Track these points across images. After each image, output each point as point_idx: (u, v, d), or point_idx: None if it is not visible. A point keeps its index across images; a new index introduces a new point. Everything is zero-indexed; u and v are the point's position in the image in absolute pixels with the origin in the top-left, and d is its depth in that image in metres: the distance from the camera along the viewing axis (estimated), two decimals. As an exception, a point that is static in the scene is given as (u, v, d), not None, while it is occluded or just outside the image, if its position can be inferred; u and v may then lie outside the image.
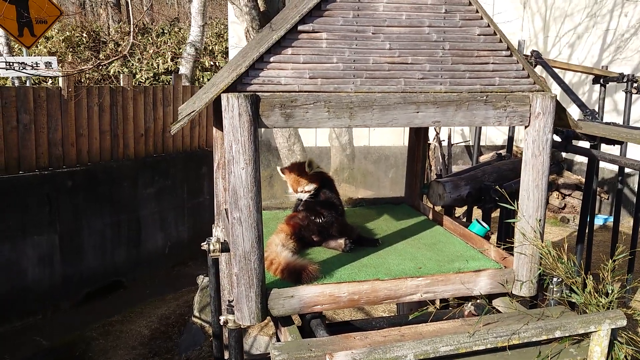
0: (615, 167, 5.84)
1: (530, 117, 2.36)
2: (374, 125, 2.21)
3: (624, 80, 5.45)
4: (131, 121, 8.12)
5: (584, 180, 4.80)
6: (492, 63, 2.33)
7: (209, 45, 14.11)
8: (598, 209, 9.05)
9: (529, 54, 5.36)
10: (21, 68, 7.07)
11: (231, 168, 2.07)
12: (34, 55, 8.89)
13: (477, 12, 2.27)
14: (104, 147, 7.82)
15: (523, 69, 2.38)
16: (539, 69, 5.52)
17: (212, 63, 13.36)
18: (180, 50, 13.62)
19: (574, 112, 6.91)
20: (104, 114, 7.74)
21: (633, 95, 5.56)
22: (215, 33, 15.28)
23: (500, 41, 2.32)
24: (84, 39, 13.41)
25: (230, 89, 2.07)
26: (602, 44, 9.37)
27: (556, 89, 7.00)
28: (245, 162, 2.06)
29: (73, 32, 13.51)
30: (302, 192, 2.84)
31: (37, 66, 7.17)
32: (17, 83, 7.84)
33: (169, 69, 12.80)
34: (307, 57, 2.14)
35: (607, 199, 9.16)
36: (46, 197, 7.02)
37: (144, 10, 16.09)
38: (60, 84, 7.25)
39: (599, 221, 8.66)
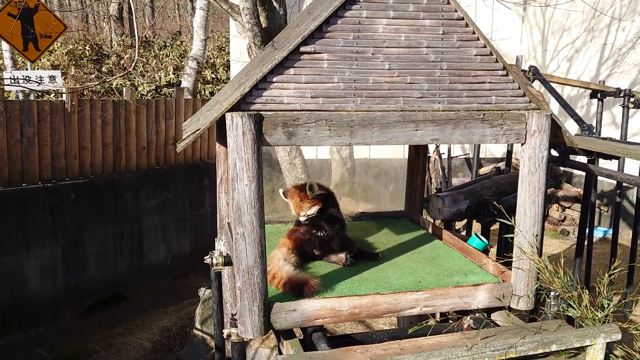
0: (614, 180, 5.89)
1: (526, 135, 2.42)
2: (374, 143, 2.27)
3: (621, 95, 5.52)
4: (134, 134, 8.19)
5: (582, 191, 4.86)
6: (489, 82, 2.39)
7: (210, 59, 14.24)
8: (598, 221, 9.09)
9: (527, 69, 5.43)
10: (26, 82, 7.15)
11: (235, 185, 2.13)
12: (38, 69, 8.99)
13: (473, 33, 2.33)
14: (106, 160, 7.89)
15: (519, 88, 2.44)
16: (537, 84, 5.60)
17: (213, 76, 13.48)
18: (182, 64, 13.76)
19: (571, 126, 7.00)
20: (107, 127, 7.82)
21: (630, 109, 5.62)
22: (216, 46, 15.43)
23: (497, 61, 2.39)
24: (86, 52, 13.55)
25: (234, 108, 2.13)
26: (599, 58, 9.47)
27: (554, 104, 7.08)
28: (248, 179, 2.12)
29: (76, 45, 13.65)
30: (304, 215, 2.90)
31: (41, 80, 7.26)
32: (21, 96, 7.93)
33: (171, 81, 12.92)
34: (308, 77, 2.21)
35: (607, 211, 9.21)
36: (49, 209, 7.07)
37: (146, 23, 16.25)
38: (64, 98, 7.33)
39: (598, 234, 8.69)
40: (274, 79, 2.17)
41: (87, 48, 13.50)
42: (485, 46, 2.35)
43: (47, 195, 7.07)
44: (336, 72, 2.23)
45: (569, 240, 8.66)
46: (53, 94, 9.15)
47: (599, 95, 5.78)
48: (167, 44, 15.17)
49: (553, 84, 5.53)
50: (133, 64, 4.08)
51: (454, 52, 2.32)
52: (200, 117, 2.80)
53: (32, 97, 7.61)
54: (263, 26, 4.75)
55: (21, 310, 6.82)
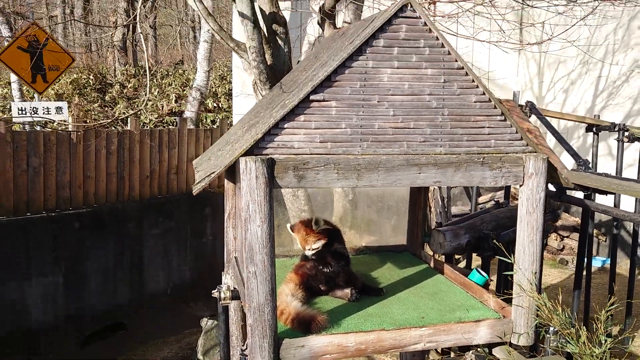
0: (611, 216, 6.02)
1: (524, 177, 2.53)
2: (379, 185, 2.38)
3: (616, 129, 5.67)
4: (137, 164, 8.32)
5: (579, 220, 4.95)
6: (488, 127, 2.52)
7: (212, 88, 14.47)
8: (596, 250, 9.17)
9: (524, 104, 5.58)
10: (33, 113, 7.30)
11: (248, 226, 2.23)
12: (44, 99, 9.15)
13: (473, 81, 2.47)
14: (110, 189, 7.99)
15: (516, 132, 2.57)
16: (533, 118, 5.74)
17: (215, 105, 13.69)
18: (184, 92, 13.98)
19: (567, 158, 7.13)
20: (111, 156, 7.95)
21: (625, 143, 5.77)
22: (218, 75, 15.68)
23: (495, 107, 2.52)
24: (90, 81, 13.77)
25: (248, 152, 2.25)
26: (595, 90, 9.68)
27: (551, 138, 7.21)
28: (260, 220, 2.22)
29: (80, 74, 13.89)
30: (309, 249, 2.99)
31: (48, 111, 7.41)
32: (27, 127, 8.08)
33: (173, 110, 13.12)
34: (318, 123, 2.33)
35: (605, 240, 9.29)
36: (52, 238, 7.15)
37: (150, 52, 16.54)
38: (70, 128, 7.48)
39: (597, 263, 8.76)
40: (285, 125, 2.30)
41: (91, 77, 13.72)
42: (484, 93, 2.49)
43: (51, 224, 7.15)
44: (344, 118, 2.35)
45: (567, 270, 8.73)
46: (57, 123, 9.30)
47: (594, 129, 5.94)
48: (170, 73, 15.42)
49: (550, 118, 5.68)
50: (144, 104, 4.20)
51: (454, 99, 2.46)
52: (212, 157, 2.92)
53: (38, 128, 7.75)
54: (268, 63, 4.91)
55: (23, 339, 6.83)
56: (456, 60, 2.43)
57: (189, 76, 15.23)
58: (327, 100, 2.33)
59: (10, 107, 11.87)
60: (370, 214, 9.70)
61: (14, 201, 6.91)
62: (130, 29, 15.59)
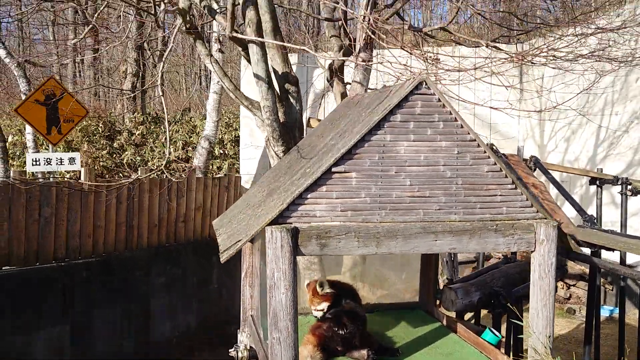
0: (617, 258, 6.10)
1: (535, 243, 2.64)
2: (397, 252, 2.49)
3: (619, 182, 5.80)
4: (146, 212, 8.42)
5: (587, 270, 5.01)
6: (500, 195, 2.64)
7: (218, 134, 14.72)
8: (603, 300, 9.15)
9: (528, 158, 5.73)
10: (46, 164, 7.47)
11: (273, 292, 2.32)
12: (57, 149, 9.34)
13: (484, 152, 2.61)
14: (119, 238, 8.07)
15: (527, 200, 2.69)
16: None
17: (221, 151, 13.91)
18: (191, 139, 14.22)
19: (570, 210, 7.21)
20: (121, 205, 8.06)
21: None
22: (225, 122, 15.97)
23: (506, 176, 2.64)
24: (99, 129, 14.03)
25: (273, 222, 2.36)
26: (596, 140, 9.87)
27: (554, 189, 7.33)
28: (285, 287, 2.32)
29: (89, 122, 14.16)
30: (315, 310, 3.07)
31: (61, 162, 7.57)
32: (40, 176, 8.23)
33: (180, 157, 13.32)
34: (339, 193, 2.46)
35: (612, 289, 9.29)
36: (61, 288, 7.18)
37: (158, 98, 16.90)
38: (82, 178, 7.62)
39: (605, 313, 8.74)
40: (309, 196, 2.42)
41: (100, 125, 13.99)
42: (495, 163, 2.62)
43: (60, 274, 7.20)
44: (363, 188, 2.48)
45: (575, 320, 8.69)
46: (70, 174, 9.48)
47: (597, 182, 6.06)
48: (177, 120, 15.72)
49: (554, 171, 5.82)
50: (164, 162, 4.35)
51: (467, 169, 2.59)
52: (233, 220, 3.03)
53: (51, 179, 7.91)
54: (281, 121, 5.09)
55: (28, 392, 6.78)
56: (468, 133, 2.58)
57: (195, 123, 15.52)
58: (347, 172, 2.46)
59: (21, 153, 12.10)
60: (380, 268, 9.73)
61: (24, 251, 6.99)
62: (140, 77, 15.98)
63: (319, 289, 3.10)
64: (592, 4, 9.99)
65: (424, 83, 2.49)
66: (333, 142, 2.69)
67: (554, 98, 7.78)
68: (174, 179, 7.48)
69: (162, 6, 4.28)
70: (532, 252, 2.67)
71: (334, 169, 2.44)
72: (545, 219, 2.69)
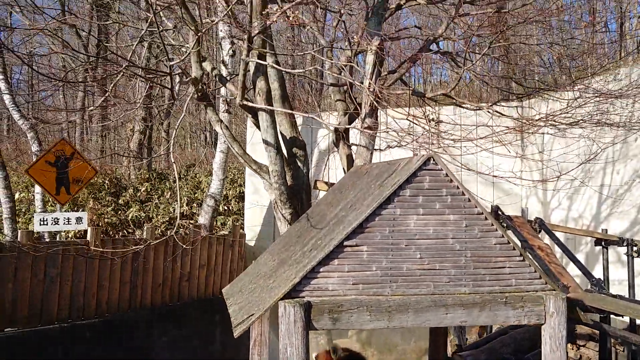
0: (627, 318, 6.01)
1: (545, 316, 2.65)
2: (409, 326, 2.51)
3: (624, 244, 5.82)
4: (150, 272, 8.41)
5: (597, 331, 4.95)
6: (508, 267, 2.68)
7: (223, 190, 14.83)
8: (614, 361, 8.95)
9: (533, 220, 5.78)
10: (54, 223, 7.53)
11: (285, 368, 2.33)
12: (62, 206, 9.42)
13: (492, 225, 2.67)
14: (122, 298, 8.02)
15: (535, 271, 2.72)
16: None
17: (225, 208, 13.98)
18: (196, 195, 14.32)
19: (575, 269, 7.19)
20: (126, 265, 8.06)
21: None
22: (230, 178, 16.13)
23: (514, 248, 2.69)
24: (105, 185, 14.17)
25: (286, 296, 2.40)
26: (599, 197, 9.92)
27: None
28: (297, 362, 2.33)
29: (96, 178, 14.32)
30: None
31: (68, 222, 7.64)
32: (46, 236, 8.28)
33: (185, 213, 13.38)
34: (350, 266, 2.50)
35: (622, 350, 9.10)
36: (63, 350, 7.08)
37: (164, 156, 17.14)
38: (89, 238, 7.66)
39: (616, 375, 8.53)
40: (321, 270, 2.47)
41: (106, 181, 14.14)
42: (502, 236, 2.67)
43: (63, 335, 7.12)
44: (374, 261, 2.53)
45: (586, 382, 8.47)
46: (76, 232, 9.51)
47: (603, 243, 6.08)
48: (182, 176, 15.88)
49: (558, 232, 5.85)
50: (177, 222, 4.41)
51: (476, 241, 2.64)
52: (244, 289, 3.06)
53: (58, 238, 7.95)
54: (289, 184, 5.18)
55: None
56: (476, 207, 2.65)
57: (200, 179, 15.67)
58: (359, 246, 2.52)
59: (27, 210, 12.17)
60: (389, 333, 9.61)
61: (27, 311, 6.94)
62: (147, 134, 16.27)
63: (333, 356, 3.09)
64: (589, 69, 10.30)
65: (432, 159, 2.59)
66: (343, 214, 2.76)
67: (556, 162, 7.91)
68: (183, 244, 7.50)
69: (178, 78, 4.46)
70: (542, 325, 2.68)
71: (345, 243, 2.50)
72: (554, 290, 2.71)
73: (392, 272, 2.52)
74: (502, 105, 8.34)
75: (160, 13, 5.34)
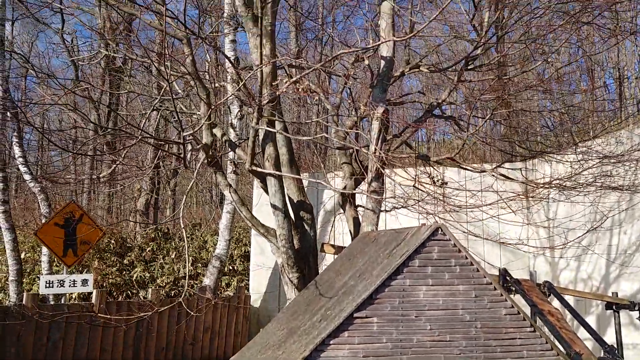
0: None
1: (560, 390, 2.61)
2: (420, 400, 2.46)
3: (636, 308, 5.73)
4: (154, 336, 8.28)
5: None
6: (519, 338, 2.66)
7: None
8: None
9: (542, 284, 5.72)
10: (59, 286, 7.50)
11: None
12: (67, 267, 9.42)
13: (501, 295, 2.67)
14: (126, 362, 7.87)
15: (546, 342, 2.70)
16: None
17: (230, 267, 13.88)
18: (201, 255, 14.26)
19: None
20: (130, 329, 7.95)
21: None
22: (235, 238, 16.10)
23: (524, 319, 2.68)
24: (111, 246, 14.16)
25: (296, 370, 2.38)
26: (607, 258, 9.83)
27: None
28: None
29: (101, 239, 14.32)
30: None
31: (74, 284, 7.61)
32: (51, 298, 8.23)
33: (190, 272, 13.28)
34: (360, 338, 2.49)
35: (640, 419, 8.75)
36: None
37: (170, 215, 17.22)
38: (93, 301, 7.60)
39: None
40: (331, 342, 2.46)
41: (112, 241, 14.14)
42: (512, 306, 2.67)
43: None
44: (384, 333, 2.52)
45: None
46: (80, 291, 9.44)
47: (614, 307, 5.99)
48: (187, 236, 15.86)
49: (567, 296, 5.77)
50: (186, 288, 4.41)
51: (485, 312, 2.64)
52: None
53: (63, 300, 7.90)
54: (296, 247, 5.20)
55: None
56: (485, 277, 2.66)
57: (206, 238, 15.65)
58: (369, 317, 2.52)
59: (31, 270, 12.13)
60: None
61: (28, 380, 6.81)
62: (154, 193, 16.42)
63: None
64: (591, 131, 10.48)
65: (440, 229, 2.63)
66: (352, 283, 2.77)
67: (562, 229, 7.91)
68: (190, 311, 7.44)
69: (190, 146, 4.59)
70: (556, 398, 2.64)
71: (355, 314, 2.50)
72: (567, 362, 2.68)
73: (402, 344, 2.51)
74: (506, 168, 8.44)
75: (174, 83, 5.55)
